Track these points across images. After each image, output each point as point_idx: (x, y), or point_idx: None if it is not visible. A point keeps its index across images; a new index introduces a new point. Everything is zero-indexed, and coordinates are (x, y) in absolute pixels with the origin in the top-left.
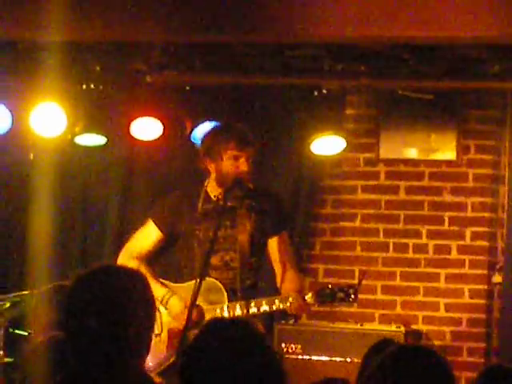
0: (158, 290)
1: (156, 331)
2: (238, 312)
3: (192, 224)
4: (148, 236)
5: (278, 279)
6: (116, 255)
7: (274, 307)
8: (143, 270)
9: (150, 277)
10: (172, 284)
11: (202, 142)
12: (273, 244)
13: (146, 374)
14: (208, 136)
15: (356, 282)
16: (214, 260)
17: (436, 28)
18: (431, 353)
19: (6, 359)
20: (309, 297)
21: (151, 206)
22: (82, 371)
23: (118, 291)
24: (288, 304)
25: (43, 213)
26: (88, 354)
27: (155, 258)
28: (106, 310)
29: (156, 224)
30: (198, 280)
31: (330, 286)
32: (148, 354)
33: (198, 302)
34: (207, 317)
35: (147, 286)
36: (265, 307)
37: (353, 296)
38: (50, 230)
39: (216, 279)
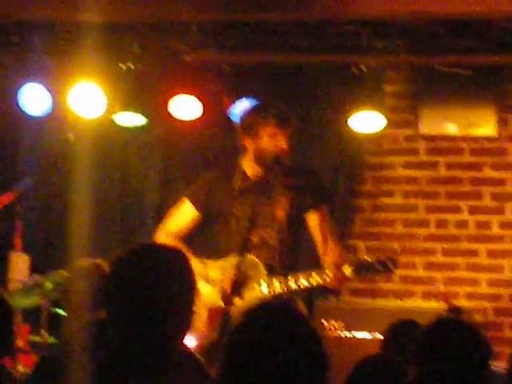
0: (195, 264)
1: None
2: (278, 289)
3: (229, 202)
4: (184, 215)
5: (320, 253)
6: (154, 233)
7: (312, 281)
8: (181, 247)
9: (187, 253)
10: (210, 261)
11: (241, 119)
12: (313, 218)
13: (190, 351)
14: (247, 113)
15: (394, 255)
16: (252, 237)
17: (474, 2)
18: (467, 326)
19: (49, 339)
20: (346, 269)
21: (188, 185)
22: (125, 350)
23: (160, 269)
24: (326, 277)
25: (83, 193)
26: (130, 333)
27: (192, 237)
28: (147, 288)
29: (192, 202)
30: (239, 255)
31: (368, 259)
32: (189, 330)
33: (236, 278)
34: (246, 293)
35: (188, 262)
36: (303, 281)
37: (391, 268)
38: (91, 210)
39: (270, 258)
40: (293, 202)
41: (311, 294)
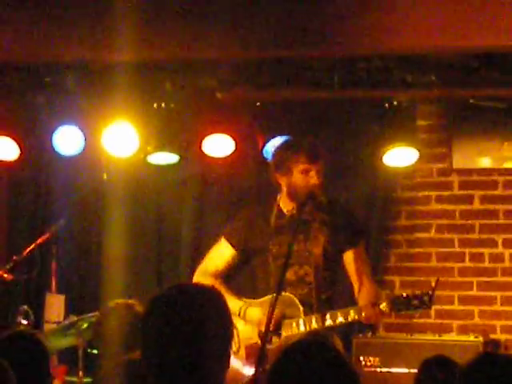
0: (234, 303)
1: (233, 348)
2: (314, 325)
3: (266, 239)
4: (222, 254)
5: (356, 291)
6: (192, 274)
7: (349, 318)
8: (218, 286)
9: (226, 292)
10: (248, 300)
11: (273, 156)
12: (349, 256)
13: None
14: (278, 150)
15: (430, 290)
16: (289, 275)
17: (506, 36)
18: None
19: (86, 379)
20: (383, 306)
21: (225, 224)
22: None
23: (195, 309)
24: (363, 314)
25: (118, 232)
26: (166, 373)
27: (231, 276)
28: (183, 328)
29: (229, 241)
30: (275, 294)
31: (404, 294)
32: (227, 370)
33: (273, 316)
34: (284, 330)
35: (224, 303)
36: (340, 319)
37: (428, 302)
38: (125, 249)
39: (305, 295)
40: (329, 239)
41: (348, 330)
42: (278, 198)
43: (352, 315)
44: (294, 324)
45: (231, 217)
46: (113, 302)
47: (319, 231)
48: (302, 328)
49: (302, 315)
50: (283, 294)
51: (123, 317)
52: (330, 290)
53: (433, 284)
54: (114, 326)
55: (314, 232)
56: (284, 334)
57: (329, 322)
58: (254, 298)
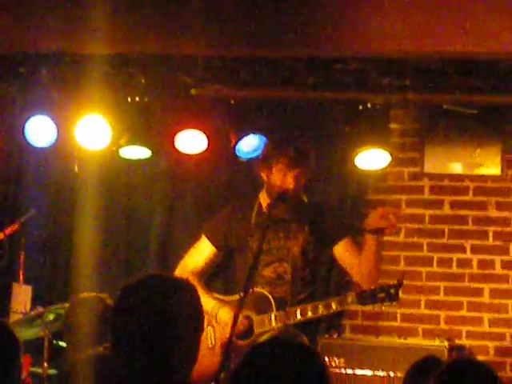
0: (208, 303)
1: (209, 344)
2: (288, 321)
3: (245, 236)
4: (202, 251)
5: (355, 270)
6: (159, 268)
7: (320, 311)
8: (196, 283)
9: (201, 290)
10: (224, 297)
11: (262, 148)
12: (339, 249)
13: None
14: (267, 144)
15: (396, 283)
16: (267, 271)
17: (481, 43)
18: (483, 367)
19: (50, 371)
20: (350, 299)
21: (206, 221)
22: (130, 382)
23: (166, 299)
24: (331, 310)
25: (88, 225)
26: (136, 365)
27: (214, 273)
28: (153, 318)
29: (209, 239)
30: (242, 292)
31: (371, 287)
32: (195, 364)
33: (248, 313)
34: (256, 327)
35: (194, 293)
36: (310, 314)
37: (394, 296)
38: (95, 242)
39: (269, 292)
40: (308, 239)
41: (315, 330)
42: (260, 193)
43: (321, 309)
44: (266, 320)
45: (211, 213)
46: (83, 294)
47: (298, 231)
48: (273, 323)
49: (274, 310)
50: (257, 289)
51: (93, 309)
52: (308, 290)
53: (400, 279)
54: (84, 318)
55: (293, 231)
56: (256, 331)
57: (299, 317)
58: (229, 295)
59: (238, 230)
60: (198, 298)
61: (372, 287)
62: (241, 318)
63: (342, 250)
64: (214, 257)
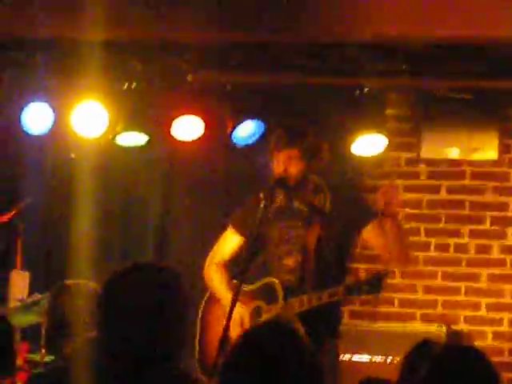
0: (226, 298)
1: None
2: (295, 310)
3: (264, 225)
4: (229, 241)
5: (386, 250)
6: (156, 255)
7: (324, 298)
8: (219, 274)
9: (223, 283)
10: (246, 287)
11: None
12: (368, 233)
13: (186, 371)
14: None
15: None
16: (289, 261)
17: (477, 27)
18: (479, 354)
19: (47, 358)
20: (340, 290)
21: (231, 211)
22: (116, 368)
23: (151, 288)
24: (335, 298)
25: (84, 212)
26: (121, 351)
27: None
28: (139, 308)
29: (236, 229)
30: (239, 282)
31: (357, 279)
32: (182, 350)
33: (258, 304)
34: (264, 317)
35: (179, 282)
36: (316, 302)
37: (377, 286)
38: (91, 229)
39: (288, 281)
40: (325, 228)
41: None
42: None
43: (326, 296)
44: (274, 310)
45: (207, 200)
46: (65, 282)
47: (315, 221)
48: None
49: (281, 300)
50: (268, 279)
51: (77, 296)
52: (322, 280)
53: (384, 270)
54: (71, 305)
55: (311, 221)
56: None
57: (306, 306)
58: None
59: (258, 220)
60: (183, 285)
61: (360, 279)
62: (250, 310)
63: (371, 234)
64: (241, 247)
